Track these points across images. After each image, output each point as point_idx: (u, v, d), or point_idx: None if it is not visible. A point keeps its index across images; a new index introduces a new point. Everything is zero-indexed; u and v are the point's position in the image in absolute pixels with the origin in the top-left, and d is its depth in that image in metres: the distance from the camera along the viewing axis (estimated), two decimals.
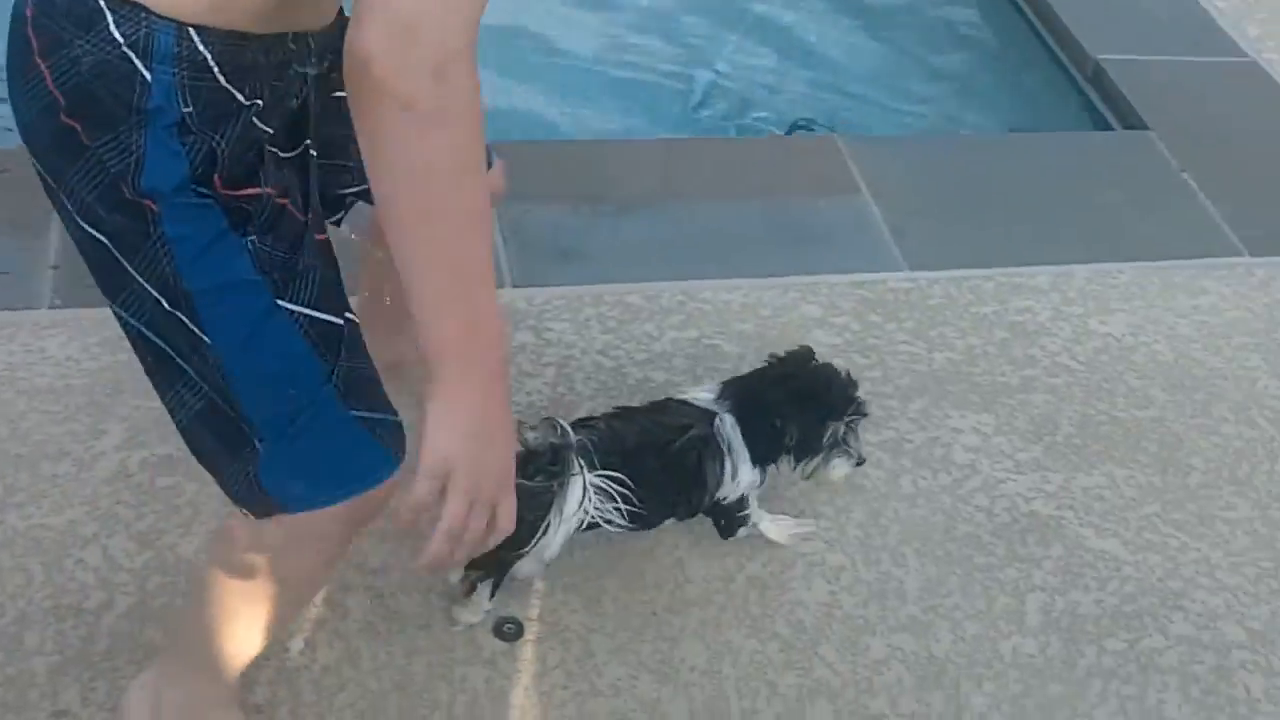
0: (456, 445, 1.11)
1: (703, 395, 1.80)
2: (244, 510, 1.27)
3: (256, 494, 1.24)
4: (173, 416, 1.25)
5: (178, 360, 1.21)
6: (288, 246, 1.18)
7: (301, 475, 1.24)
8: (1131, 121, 2.96)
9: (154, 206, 1.12)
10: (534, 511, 1.60)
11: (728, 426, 1.76)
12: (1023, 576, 1.93)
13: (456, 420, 1.11)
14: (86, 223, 1.16)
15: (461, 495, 1.12)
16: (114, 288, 1.19)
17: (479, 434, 1.13)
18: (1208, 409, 2.26)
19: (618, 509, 1.68)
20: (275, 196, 1.17)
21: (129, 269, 1.16)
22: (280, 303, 1.17)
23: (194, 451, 1.29)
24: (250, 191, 1.15)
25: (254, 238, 1.15)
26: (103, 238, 1.16)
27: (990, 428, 2.16)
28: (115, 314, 1.22)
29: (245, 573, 1.34)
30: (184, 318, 1.17)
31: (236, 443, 1.22)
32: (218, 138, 1.12)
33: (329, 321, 1.20)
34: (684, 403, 1.79)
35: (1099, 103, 3.07)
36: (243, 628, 1.41)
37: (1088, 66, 3.13)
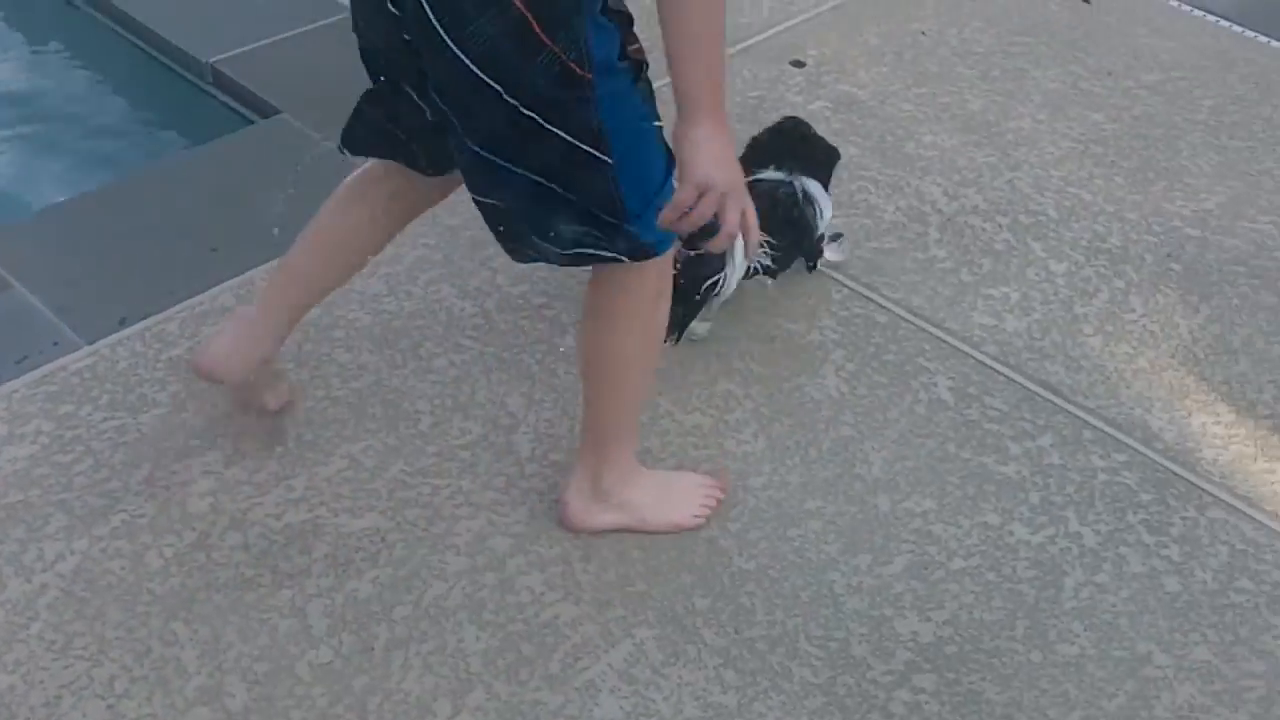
0: (712, 164, 1.51)
1: (768, 173, 2.42)
2: (634, 257, 1.71)
3: (639, 247, 1.70)
4: (547, 254, 1.73)
5: (565, 194, 1.63)
6: (648, 81, 1.62)
7: (657, 230, 1.65)
8: (265, 110, 2.99)
9: (592, 77, 1.52)
10: (715, 263, 2.24)
11: (803, 180, 2.43)
12: (296, 591, 1.92)
13: (712, 147, 1.51)
14: (523, 105, 1.54)
15: (724, 198, 1.53)
16: (523, 153, 1.60)
17: (727, 158, 1.54)
18: (416, 351, 2.35)
19: (766, 254, 2.33)
20: (639, 49, 1.60)
21: (554, 130, 1.56)
22: (653, 124, 1.63)
23: (578, 258, 1.71)
24: (635, 48, 1.59)
25: (641, 82, 1.60)
26: (532, 113, 1.55)
27: (219, 463, 2.11)
28: (511, 175, 1.61)
29: (633, 332, 1.84)
30: (597, 152, 1.58)
31: (614, 230, 1.67)
32: (621, 12, 1.56)
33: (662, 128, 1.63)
34: (760, 179, 2.39)
35: (231, 103, 3.07)
36: (641, 379, 1.95)
37: (206, 72, 3.11)
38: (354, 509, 2.05)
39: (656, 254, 1.74)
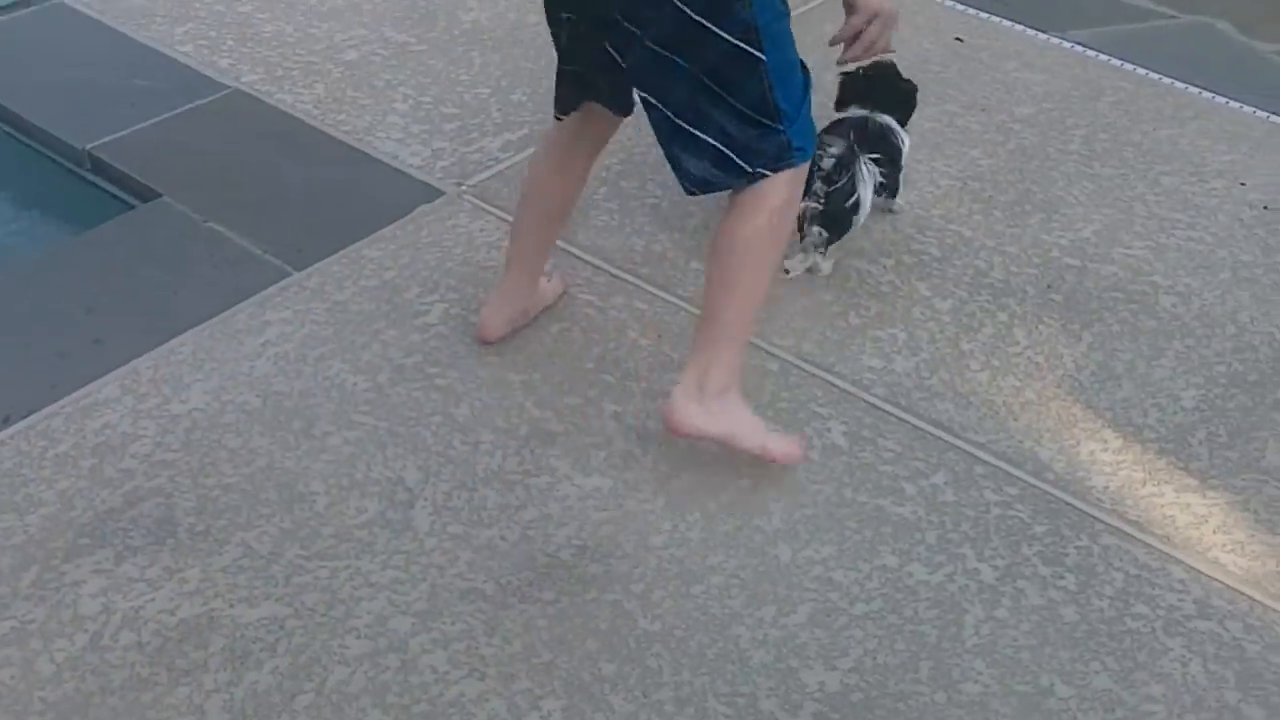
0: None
1: (852, 110, 2.81)
2: (773, 170, 2.01)
3: (787, 153, 2.00)
4: (709, 148, 1.99)
5: (725, 96, 1.95)
6: None
7: (805, 136, 2.03)
8: (145, 194, 2.95)
9: None
10: (850, 188, 2.61)
11: (883, 116, 2.79)
12: (194, 688, 1.88)
13: None
14: (693, 11, 1.87)
15: (885, 25, 1.93)
16: (692, 52, 1.91)
17: None
18: (309, 431, 2.33)
19: (881, 183, 2.72)
20: None
21: (718, 31, 1.88)
22: (788, 21, 1.96)
23: (734, 152, 1.99)
24: None
25: None
26: (700, 17, 1.87)
27: (110, 560, 2.07)
28: (681, 73, 1.93)
29: (769, 230, 2.06)
30: (751, 49, 1.90)
31: (768, 129, 1.97)
32: None
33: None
34: (847, 116, 2.79)
35: (111, 189, 3.03)
36: (763, 281, 2.13)
37: (84, 159, 3.07)
38: (250, 598, 2.02)
39: (796, 164, 2.05)
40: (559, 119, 2.28)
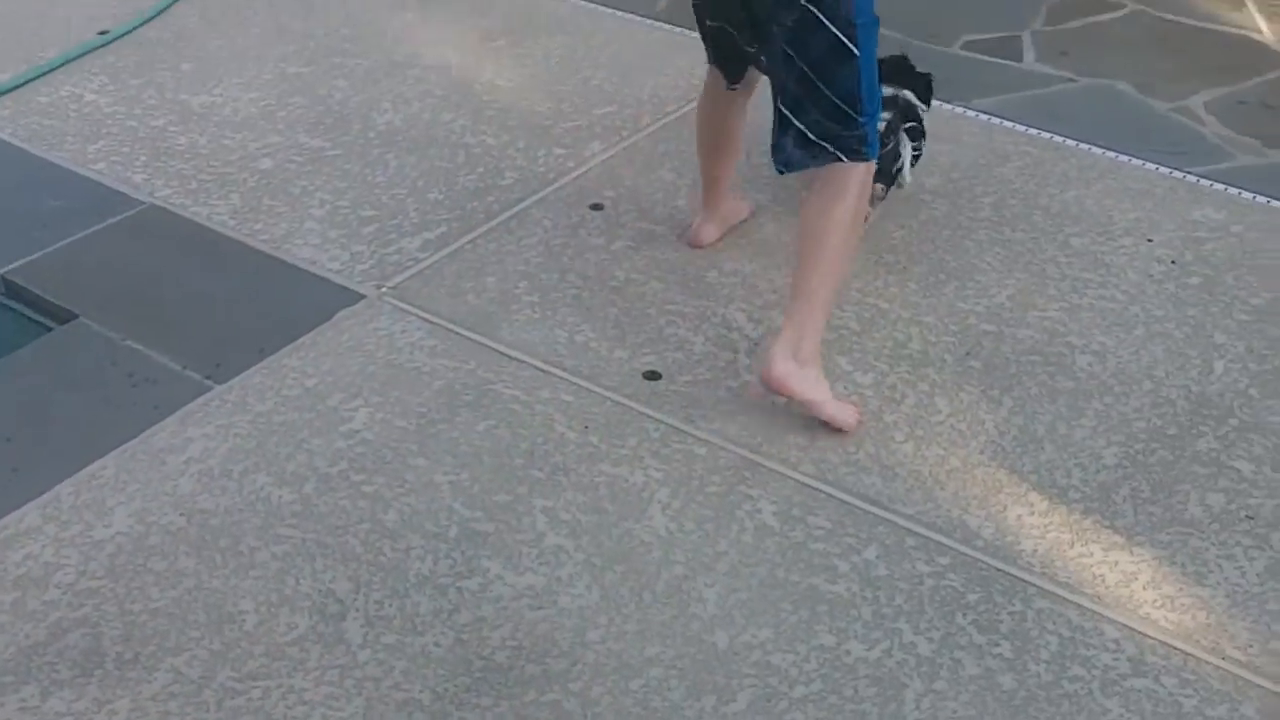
0: None
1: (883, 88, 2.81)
2: (852, 158, 2.47)
3: (865, 146, 2.46)
4: (850, 137, 2.45)
5: (822, 87, 2.41)
6: None
7: (876, 140, 2.51)
8: (61, 316, 2.93)
9: None
10: (895, 151, 3.09)
11: (906, 92, 3.22)
12: None
13: None
14: (814, 8, 2.34)
15: None
16: (805, 45, 2.39)
17: None
18: (236, 548, 2.30)
19: (915, 155, 3.21)
20: None
21: (826, 23, 2.35)
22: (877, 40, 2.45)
23: (822, 138, 2.45)
24: None
25: None
26: (817, 11, 2.34)
27: (36, 696, 2.02)
28: (793, 66, 2.42)
29: (851, 211, 2.51)
30: (849, 43, 2.35)
31: (850, 121, 2.42)
32: None
33: None
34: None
35: (27, 312, 3.00)
36: (846, 258, 2.59)
37: None
38: None
39: (869, 158, 2.51)
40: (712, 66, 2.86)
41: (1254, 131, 3.79)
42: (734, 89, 2.85)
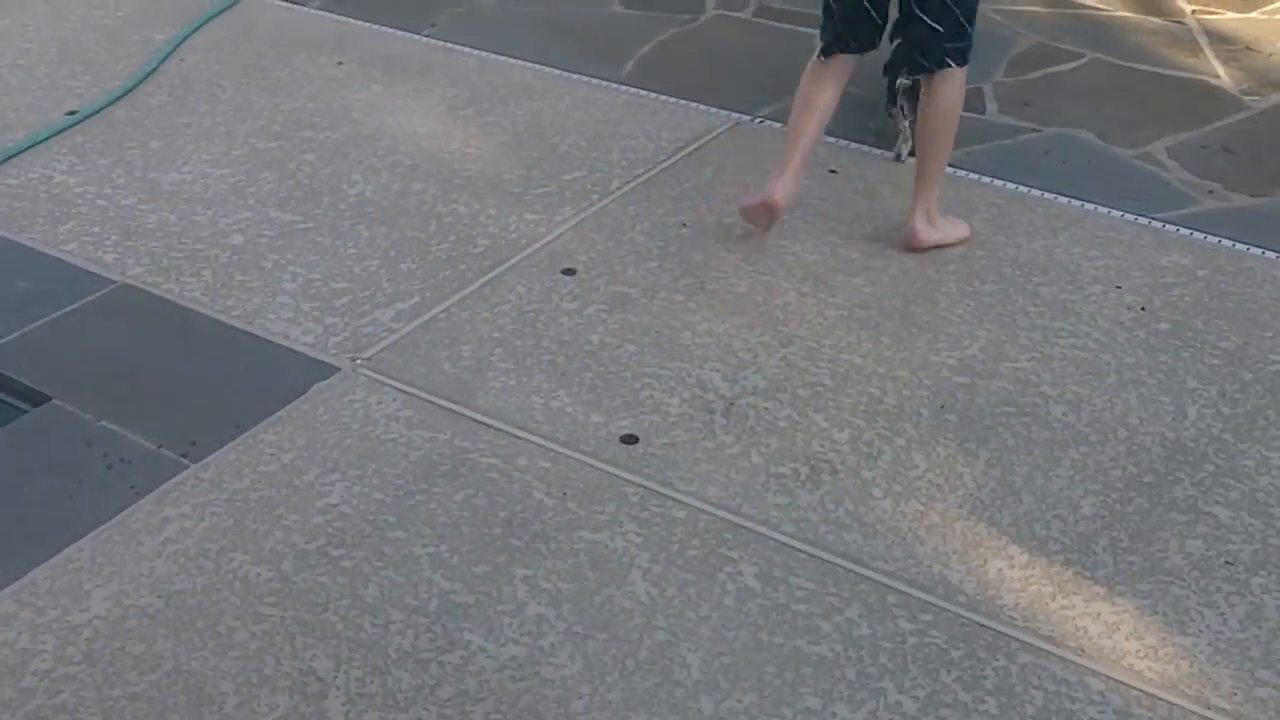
0: None
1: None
2: (957, 63, 3.22)
3: (967, 53, 3.20)
4: (958, 50, 3.21)
5: (953, 7, 3.15)
6: None
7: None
8: (35, 399, 2.91)
9: None
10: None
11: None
12: None
13: None
14: None
15: None
16: None
17: None
18: (214, 629, 2.28)
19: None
20: None
21: None
22: None
23: (951, 56, 3.20)
24: None
25: None
26: None
27: None
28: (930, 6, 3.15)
29: (951, 102, 3.27)
30: None
31: (964, 34, 3.16)
32: None
33: None
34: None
35: (5, 398, 2.98)
36: (951, 142, 3.35)
37: None
38: None
39: (968, 63, 3.29)
40: (821, 59, 3.39)
41: (1216, 176, 3.84)
42: (840, 61, 3.40)
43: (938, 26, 3.18)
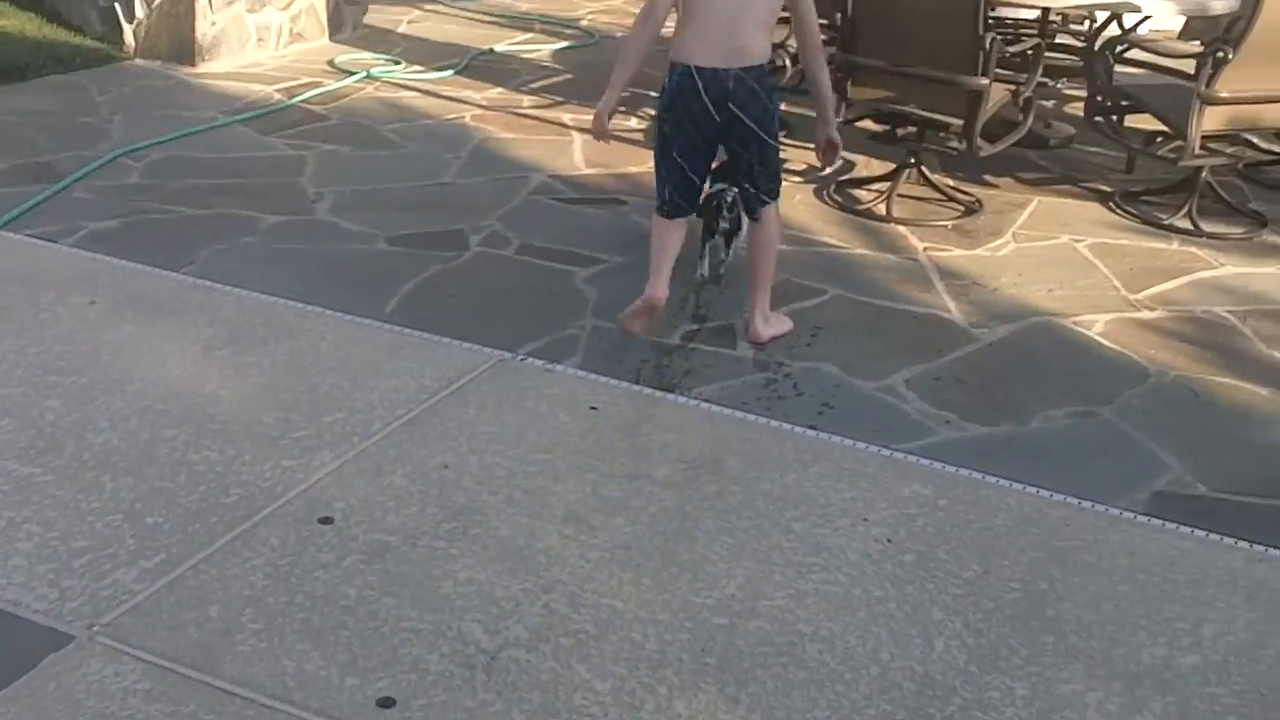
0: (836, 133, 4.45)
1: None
2: (772, 200, 4.38)
3: (776, 193, 4.39)
4: (773, 191, 4.40)
5: (766, 169, 4.34)
6: None
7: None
8: None
9: (776, 115, 4.27)
10: (739, 218, 4.63)
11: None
12: None
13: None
14: (765, 134, 4.23)
15: (835, 147, 4.47)
16: (760, 152, 4.26)
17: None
18: None
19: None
20: None
21: (769, 140, 4.25)
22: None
23: (767, 192, 4.36)
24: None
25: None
26: (764, 134, 4.23)
27: None
28: (751, 166, 4.30)
29: (773, 231, 4.44)
30: (769, 139, 4.24)
31: (776, 181, 4.39)
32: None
33: None
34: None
35: None
36: (773, 263, 4.48)
37: None
38: None
39: (777, 198, 4.41)
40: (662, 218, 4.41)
41: (951, 406, 4.07)
42: (688, 204, 4.42)
43: (756, 186, 4.36)
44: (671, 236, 4.38)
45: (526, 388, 3.99)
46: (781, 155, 4.51)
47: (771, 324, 4.50)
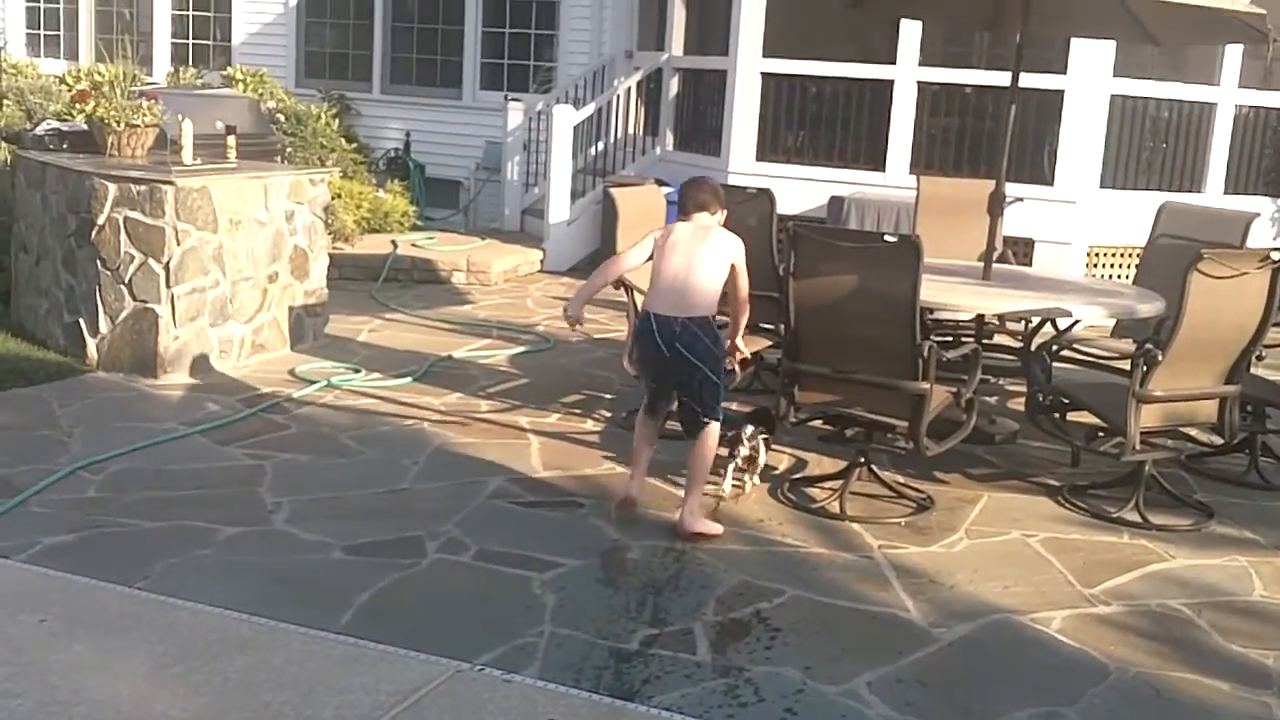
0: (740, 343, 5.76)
1: None
2: (712, 420, 5.40)
3: (717, 414, 5.41)
4: (712, 413, 5.40)
5: (709, 400, 5.39)
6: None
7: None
8: None
9: (719, 356, 5.49)
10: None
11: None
12: None
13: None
14: (711, 371, 5.36)
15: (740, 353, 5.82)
16: (704, 389, 5.36)
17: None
18: None
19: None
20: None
21: (713, 378, 5.38)
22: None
23: (708, 416, 5.38)
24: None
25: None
26: (710, 372, 5.36)
27: None
28: (710, 382, 5.40)
29: (710, 444, 5.42)
30: (717, 379, 5.37)
31: (716, 405, 5.41)
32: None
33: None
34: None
35: None
36: (707, 469, 5.46)
37: None
38: None
39: (718, 419, 5.44)
40: (646, 415, 5.61)
41: (915, 711, 4.03)
42: (658, 412, 5.63)
43: (700, 406, 5.40)
44: (649, 434, 5.63)
45: (484, 700, 3.92)
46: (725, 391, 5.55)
47: (699, 523, 5.32)
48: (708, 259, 5.33)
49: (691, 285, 5.29)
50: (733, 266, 5.39)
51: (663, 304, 5.33)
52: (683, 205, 5.54)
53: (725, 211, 5.57)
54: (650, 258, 5.45)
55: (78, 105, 8.49)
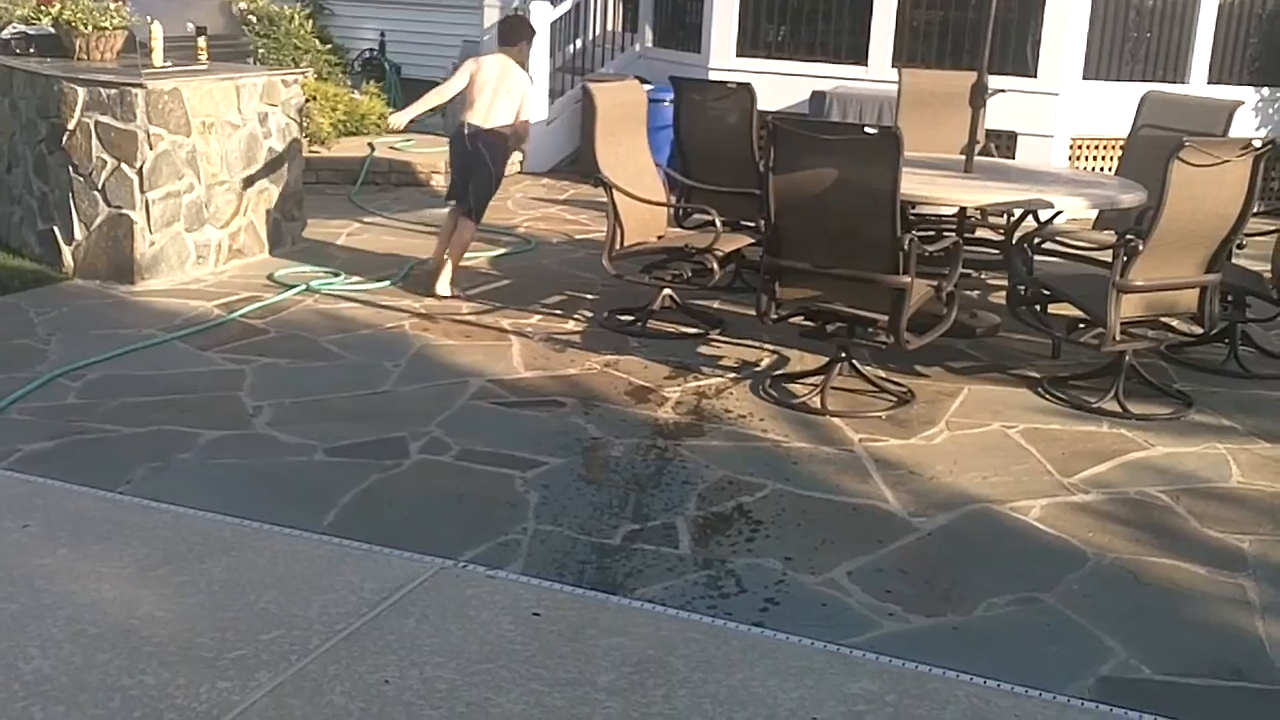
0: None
1: None
2: (472, 220, 7.60)
3: (477, 217, 7.64)
4: (476, 216, 7.61)
5: (488, 185, 7.64)
6: None
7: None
8: None
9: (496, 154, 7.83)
10: None
11: None
12: None
13: None
14: (492, 160, 7.54)
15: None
16: (485, 170, 7.54)
17: None
18: None
19: None
20: None
21: (491, 165, 7.57)
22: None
23: (473, 218, 7.61)
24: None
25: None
26: (491, 161, 7.55)
27: None
28: (491, 171, 7.61)
29: (467, 237, 7.63)
30: (491, 179, 7.62)
31: (481, 209, 7.65)
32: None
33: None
34: None
35: None
36: (463, 248, 7.67)
37: None
38: None
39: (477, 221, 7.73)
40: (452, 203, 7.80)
41: (894, 599, 4.08)
42: (461, 199, 7.63)
43: (474, 203, 7.54)
44: (451, 217, 7.75)
45: (468, 596, 3.95)
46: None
47: (448, 289, 7.45)
48: (507, 90, 7.45)
49: (494, 107, 7.44)
50: (522, 96, 7.50)
51: (474, 116, 7.44)
52: (501, 37, 7.72)
53: (529, 44, 7.77)
54: (469, 85, 7.54)
55: (44, 8, 8.33)
